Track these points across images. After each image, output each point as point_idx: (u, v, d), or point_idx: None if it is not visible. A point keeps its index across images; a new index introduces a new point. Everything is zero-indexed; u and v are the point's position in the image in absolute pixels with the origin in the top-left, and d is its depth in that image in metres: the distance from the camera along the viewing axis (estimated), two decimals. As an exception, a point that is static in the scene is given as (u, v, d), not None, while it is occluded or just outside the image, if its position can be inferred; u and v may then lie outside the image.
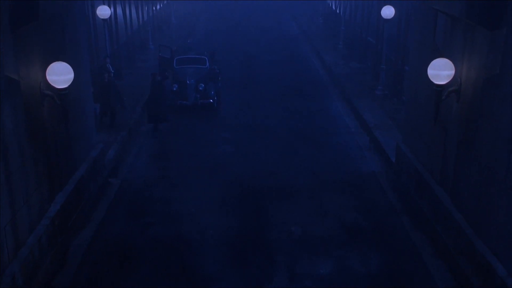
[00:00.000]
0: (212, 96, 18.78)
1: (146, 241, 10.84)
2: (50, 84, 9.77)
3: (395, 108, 18.37)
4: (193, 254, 10.38)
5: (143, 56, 26.71)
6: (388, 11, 18.93)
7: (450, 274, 9.56)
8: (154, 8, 32.23)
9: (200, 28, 36.82)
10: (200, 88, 18.72)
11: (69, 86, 9.93)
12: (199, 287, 9.47)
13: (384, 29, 19.86)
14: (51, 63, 9.72)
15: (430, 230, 10.84)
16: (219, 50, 24.66)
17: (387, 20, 19.18)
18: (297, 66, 25.63)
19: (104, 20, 19.06)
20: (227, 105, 19.55)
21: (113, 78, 17.40)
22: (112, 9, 21.79)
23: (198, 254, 10.38)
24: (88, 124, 13.03)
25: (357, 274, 9.75)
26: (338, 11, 32.62)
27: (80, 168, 12.12)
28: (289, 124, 17.53)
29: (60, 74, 9.72)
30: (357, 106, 18.77)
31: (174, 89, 18.67)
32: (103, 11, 18.82)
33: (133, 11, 27.89)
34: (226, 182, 13.35)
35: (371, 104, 18.93)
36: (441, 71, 9.88)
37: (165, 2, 37.03)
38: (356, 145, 15.86)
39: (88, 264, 10.06)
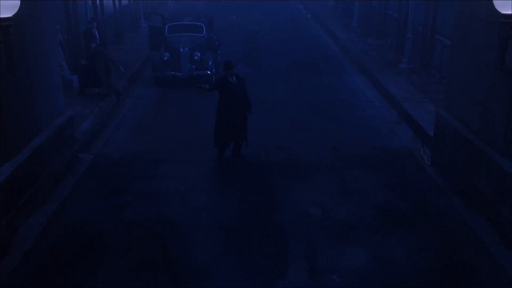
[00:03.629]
0: (209, 67, 16.44)
1: (119, 224, 8.53)
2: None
3: (424, 82, 16.09)
4: (180, 241, 8.07)
5: (133, 34, 24.47)
6: (415, -31, 16.64)
7: (529, 266, 7.23)
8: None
9: (199, 9, 34.52)
10: (196, 58, 16.39)
11: (15, 17, 7.70)
12: (188, 283, 7.14)
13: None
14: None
15: (492, 213, 8.48)
16: (221, 30, 22.34)
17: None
18: (307, 43, 23.33)
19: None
20: (227, 79, 17.17)
21: (101, 47, 15.12)
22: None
23: (187, 241, 8.07)
24: (52, 82, 10.72)
25: (400, 267, 7.42)
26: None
27: (40, 136, 9.82)
28: (301, 97, 15.22)
29: (0, -2, 7.46)
30: (379, 80, 16.47)
31: (165, 58, 16.32)
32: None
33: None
34: (223, 157, 11.01)
35: (396, 78, 16.63)
36: (513, -5, 7.60)
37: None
38: (382, 119, 13.53)
39: (38, 253, 7.75)
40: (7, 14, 7.58)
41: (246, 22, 28.86)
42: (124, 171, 10.45)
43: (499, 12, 7.87)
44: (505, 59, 8.15)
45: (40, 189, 9.30)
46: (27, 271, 7.31)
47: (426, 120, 12.51)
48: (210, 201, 9.27)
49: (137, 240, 8.10)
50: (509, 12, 7.69)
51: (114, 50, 19.86)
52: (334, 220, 8.61)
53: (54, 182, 9.82)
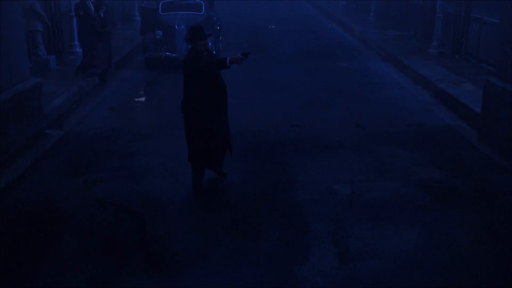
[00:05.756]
0: (209, 49, 14.82)
1: (87, 202, 6.87)
2: None
3: (459, 65, 14.52)
4: (163, 221, 6.42)
5: (126, 26, 23.12)
6: None
7: None
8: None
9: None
10: (193, 37, 14.80)
11: None
12: (169, 270, 5.44)
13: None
14: None
15: None
16: (223, 25, 20.85)
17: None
18: (319, 35, 21.79)
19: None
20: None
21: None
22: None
23: (172, 221, 6.41)
24: (12, 40, 9.11)
25: (463, 250, 5.73)
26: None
27: (-7, 100, 8.22)
28: (316, 80, 13.61)
29: None
30: (407, 64, 14.90)
31: (158, 37, 14.76)
32: None
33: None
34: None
35: (425, 62, 15.04)
36: None
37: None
38: (414, 99, 11.91)
39: (-27, 234, 6.08)
40: None
41: (251, 18, 27.43)
42: (98, 147, 8.81)
43: None
44: None
45: (-10, 162, 7.69)
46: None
47: (468, 99, 10.97)
48: (206, 178, 7.58)
49: (108, 220, 6.43)
50: None
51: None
52: (367, 199, 6.93)
53: (10, 157, 8.19)
